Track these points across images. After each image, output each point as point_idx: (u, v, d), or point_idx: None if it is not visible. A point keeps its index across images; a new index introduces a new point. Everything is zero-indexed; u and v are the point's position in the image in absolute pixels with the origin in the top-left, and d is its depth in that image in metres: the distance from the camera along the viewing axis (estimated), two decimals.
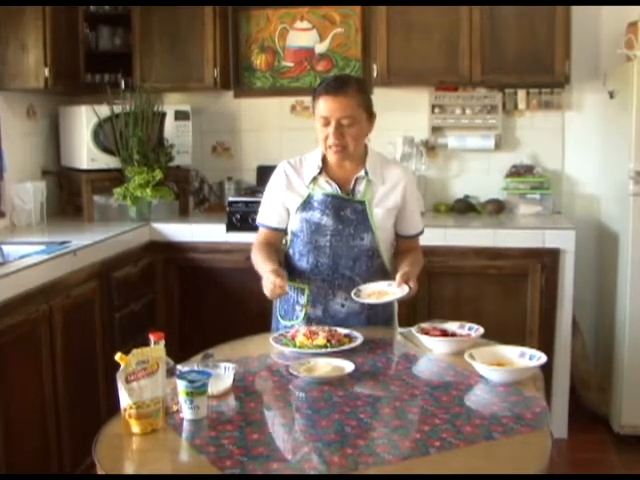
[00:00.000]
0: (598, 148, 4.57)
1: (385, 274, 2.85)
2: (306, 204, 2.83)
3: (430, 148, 4.75)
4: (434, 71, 4.40)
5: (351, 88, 2.74)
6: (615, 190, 4.23)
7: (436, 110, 4.71)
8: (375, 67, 4.46)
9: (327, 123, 2.72)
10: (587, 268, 4.51)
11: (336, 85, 2.76)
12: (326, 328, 2.61)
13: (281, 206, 2.90)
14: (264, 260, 2.78)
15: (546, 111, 4.62)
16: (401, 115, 4.72)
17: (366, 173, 2.82)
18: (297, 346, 2.55)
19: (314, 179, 2.84)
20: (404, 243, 2.94)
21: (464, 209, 4.65)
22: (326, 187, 2.83)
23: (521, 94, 4.61)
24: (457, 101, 4.68)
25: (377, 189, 2.82)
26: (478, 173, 4.75)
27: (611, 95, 4.29)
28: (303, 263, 2.86)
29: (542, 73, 4.32)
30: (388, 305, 2.83)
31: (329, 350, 2.49)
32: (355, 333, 2.62)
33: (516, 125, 4.70)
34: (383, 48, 4.42)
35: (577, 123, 4.64)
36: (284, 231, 2.94)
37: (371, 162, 2.84)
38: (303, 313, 2.87)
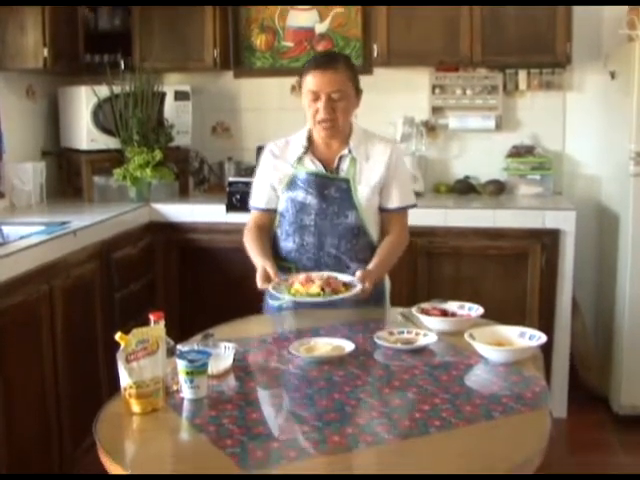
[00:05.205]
0: (599, 129, 4.55)
1: (373, 251, 2.86)
2: (291, 183, 2.87)
3: (430, 128, 4.74)
4: (434, 51, 4.38)
5: (340, 63, 2.81)
6: (616, 171, 4.22)
7: (436, 90, 4.69)
8: (375, 47, 4.43)
9: (317, 98, 2.75)
10: (587, 249, 4.51)
11: (325, 60, 2.84)
12: (325, 275, 2.63)
13: (269, 186, 2.93)
14: (257, 253, 2.82)
15: (547, 91, 4.60)
16: (401, 95, 4.70)
17: (349, 151, 2.84)
18: (291, 293, 2.57)
19: (299, 159, 2.87)
20: (384, 218, 2.92)
21: (464, 190, 4.64)
22: (310, 166, 2.86)
23: (522, 74, 4.58)
24: (458, 81, 4.66)
25: (361, 166, 2.85)
26: (479, 154, 4.74)
27: (612, 76, 4.28)
28: (289, 242, 2.88)
29: (543, 53, 4.30)
30: (379, 283, 2.82)
31: (320, 299, 2.52)
32: (355, 282, 2.63)
33: (517, 105, 4.68)
34: (383, 28, 4.40)
35: (578, 104, 4.62)
36: (274, 212, 2.94)
37: (355, 140, 2.87)
38: None
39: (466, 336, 2.31)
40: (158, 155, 4.30)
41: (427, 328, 2.51)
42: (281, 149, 2.94)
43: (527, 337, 2.35)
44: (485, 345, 2.27)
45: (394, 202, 2.91)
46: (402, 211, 2.95)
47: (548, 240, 4.04)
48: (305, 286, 2.58)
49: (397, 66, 4.53)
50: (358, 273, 2.68)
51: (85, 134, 4.41)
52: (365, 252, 2.86)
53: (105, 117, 4.41)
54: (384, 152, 2.88)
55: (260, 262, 2.76)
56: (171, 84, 4.75)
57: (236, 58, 4.92)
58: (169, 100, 4.60)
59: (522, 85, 4.60)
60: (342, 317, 2.68)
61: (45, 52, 4.07)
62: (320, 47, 4.83)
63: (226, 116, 4.98)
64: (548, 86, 4.58)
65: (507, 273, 4.09)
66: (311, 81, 2.76)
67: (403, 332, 2.46)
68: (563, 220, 4.04)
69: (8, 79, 4.26)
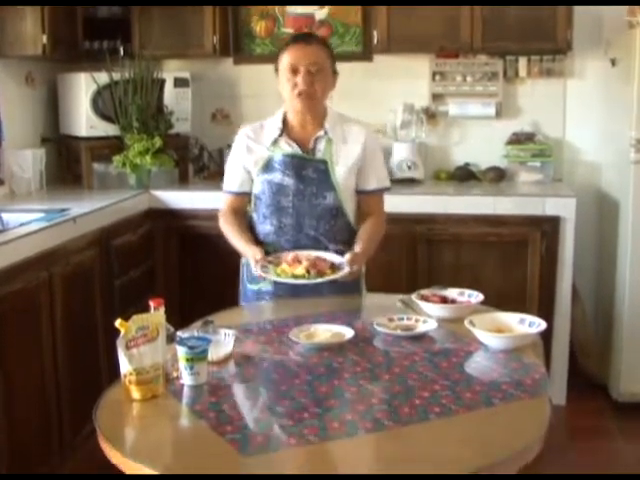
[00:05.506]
0: (599, 116, 4.54)
1: (351, 232, 2.88)
2: (267, 166, 2.86)
3: (431, 115, 4.73)
4: (435, 38, 4.37)
5: (318, 40, 2.92)
6: (616, 158, 4.21)
7: (437, 77, 4.67)
8: (375, 34, 4.42)
9: (295, 71, 2.78)
10: (587, 236, 4.50)
11: (304, 36, 3.01)
12: (312, 256, 2.65)
13: (243, 169, 2.93)
14: (241, 241, 2.83)
15: (547, 78, 4.59)
16: (401, 82, 4.69)
17: (325, 132, 2.86)
18: (277, 273, 2.58)
19: (275, 141, 2.87)
20: (362, 200, 2.95)
21: (465, 177, 4.62)
22: (286, 148, 2.86)
23: (522, 61, 4.57)
24: (458, 68, 4.64)
25: (338, 147, 2.86)
26: (479, 140, 4.72)
27: (613, 63, 4.26)
28: (267, 225, 2.88)
29: (544, 40, 4.29)
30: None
31: (304, 281, 2.53)
32: (344, 265, 2.64)
33: (517, 92, 4.67)
34: (383, 14, 4.38)
35: (579, 91, 4.60)
36: (248, 195, 2.95)
37: (331, 121, 2.89)
38: None
39: (466, 323, 2.31)
40: (158, 142, 4.29)
41: (427, 315, 2.51)
42: (256, 132, 2.93)
43: (527, 324, 2.35)
44: (485, 332, 2.27)
45: (371, 184, 2.94)
46: (379, 193, 2.99)
47: (548, 227, 4.03)
48: (292, 266, 2.59)
49: (397, 53, 4.51)
50: (347, 256, 2.69)
51: (84, 121, 4.40)
52: (343, 233, 2.87)
53: (104, 104, 4.40)
54: (360, 134, 2.91)
55: (248, 250, 2.77)
56: (170, 71, 4.74)
57: (236, 45, 4.90)
58: (168, 87, 4.58)
59: (522, 72, 4.59)
60: (323, 304, 2.69)
61: (44, 39, 4.05)
62: (320, 33, 4.78)
63: (226, 103, 4.96)
64: (548, 73, 4.56)
65: (507, 260, 4.09)
66: (290, 56, 2.80)
67: (403, 319, 2.46)
68: (563, 207, 4.03)
69: (7, 66, 4.24)
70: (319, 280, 2.56)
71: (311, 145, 2.87)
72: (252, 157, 2.89)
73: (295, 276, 2.56)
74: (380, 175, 2.97)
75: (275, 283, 2.76)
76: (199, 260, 4.35)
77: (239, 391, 2.02)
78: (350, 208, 2.91)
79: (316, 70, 2.78)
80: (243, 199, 2.97)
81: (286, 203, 2.84)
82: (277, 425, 1.81)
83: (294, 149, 2.85)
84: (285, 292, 2.78)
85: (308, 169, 2.84)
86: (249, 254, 2.76)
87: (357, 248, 2.77)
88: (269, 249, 2.81)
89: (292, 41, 2.88)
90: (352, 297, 2.85)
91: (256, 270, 2.69)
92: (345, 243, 2.84)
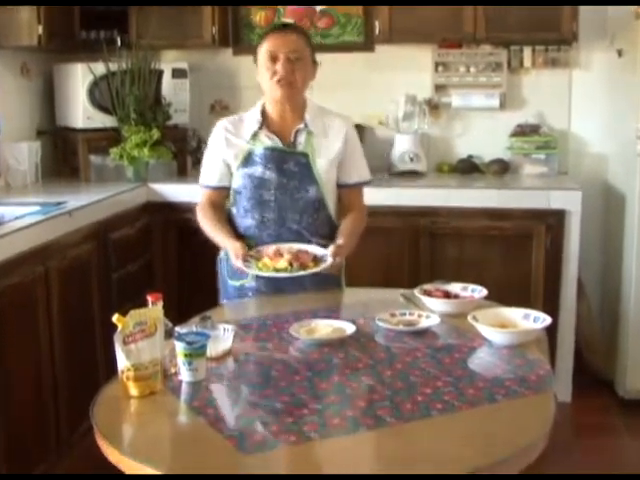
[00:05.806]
0: (605, 107, 4.49)
1: (332, 226, 2.87)
2: (248, 159, 2.84)
3: (433, 107, 4.68)
4: (437, 28, 4.32)
5: (297, 29, 2.91)
6: (622, 150, 4.17)
7: (439, 68, 4.62)
8: (377, 24, 4.37)
9: (275, 59, 2.75)
10: (593, 229, 4.46)
11: (283, 25, 3.02)
12: (294, 249, 2.64)
13: (222, 163, 2.90)
14: (222, 235, 2.81)
15: (552, 69, 4.54)
16: (404, 73, 4.64)
17: (306, 125, 2.83)
18: (259, 267, 2.58)
19: (255, 134, 2.84)
20: (343, 193, 2.94)
21: (468, 169, 4.58)
22: (267, 141, 2.83)
23: (527, 52, 4.52)
24: (461, 59, 4.59)
25: (319, 140, 2.84)
26: (482, 132, 4.67)
27: (619, 54, 4.21)
28: (248, 219, 2.86)
29: (549, 30, 4.24)
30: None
31: (287, 274, 2.53)
32: (327, 257, 2.63)
33: (521, 83, 4.62)
34: (385, 5, 4.33)
35: (584, 81, 4.55)
36: (227, 190, 2.92)
37: (311, 114, 2.86)
38: None
39: (469, 318, 2.29)
40: (155, 134, 4.25)
41: (429, 310, 2.49)
42: (235, 125, 2.90)
43: (531, 319, 2.32)
44: (488, 327, 2.24)
45: (353, 177, 2.94)
46: (360, 187, 2.98)
47: (553, 221, 3.98)
48: (273, 260, 2.59)
49: (399, 43, 4.47)
50: (331, 248, 2.68)
51: (81, 112, 4.36)
52: (325, 227, 2.87)
53: (101, 95, 4.35)
54: (341, 127, 2.90)
55: (229, 244, 2.75)
56: (168, 61, 4.69)
57: (235, 35, 4.85)
58: (166, 78, 4.53)
59: (527, 62, 4.54)
60: (307, 298, 2.70)
61: (40, 29, 4.01)
62: (321, 24, 4.76)
63: (225, 94, 4.92)
64: (554, 63, 4.51)
65: (511, 254, 4.04)
66: (268, 44, 2.77)
67: (405, 314, 2.44)
68: (568, 200, 3.98)
69: (2, 56, 4.19)
70: (302, 273, 2.56)
71: (291, 138, 2.84)
72: (232, 151, 2.86)
73: (277, 270, 2.56)
74: (361, 169, 2.97)
75: (257, 278, 2.75)
76: (197, 254, 4.28)
77: (238, 387, 1.98)
78: (331, 201, 2.90)
79: (295, 58, 2.75)
80: (222, 193, 2.94)
81: (268, 197, 2.82)
82: (276, 421, 1.78)
83: (274, 142, 2.83)
84: (268, 287, 2.78)
85: (289, 162, 2.81)
86: (230, 248, 2.73)
87: (340, 241, 2.76)
88: (251, 243, 2.79)
89: (271, 30, 2.86)
90: (334, 291, 2.85)
91: (237, 263, 2.66)
92: (327, 237, 2.82)
